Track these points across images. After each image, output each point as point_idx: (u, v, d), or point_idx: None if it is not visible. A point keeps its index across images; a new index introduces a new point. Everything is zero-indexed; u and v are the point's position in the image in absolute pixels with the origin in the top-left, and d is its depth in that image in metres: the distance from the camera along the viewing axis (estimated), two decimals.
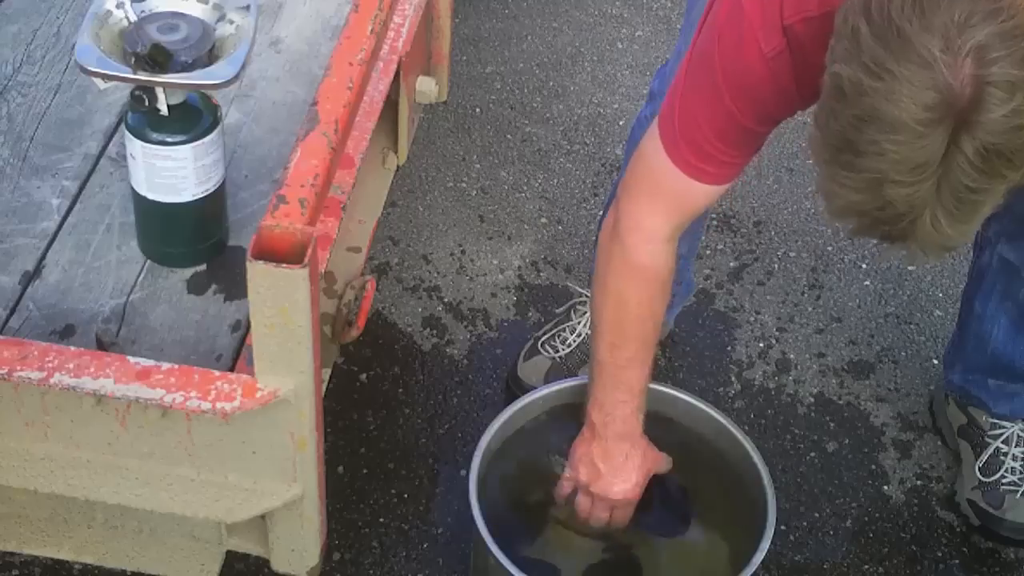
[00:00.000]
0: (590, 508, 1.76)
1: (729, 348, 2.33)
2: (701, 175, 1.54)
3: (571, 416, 1.87)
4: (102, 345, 1.63)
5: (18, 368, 1.47)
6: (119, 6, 1.64)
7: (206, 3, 1.65)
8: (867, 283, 2.48)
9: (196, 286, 1.75)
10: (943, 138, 1.11)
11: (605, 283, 1.68)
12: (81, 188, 1.85)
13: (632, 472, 1.73)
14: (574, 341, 2.18)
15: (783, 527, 2.04)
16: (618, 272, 1.66)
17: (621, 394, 1.71)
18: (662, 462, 1.78)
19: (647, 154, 1.58)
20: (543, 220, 2.54)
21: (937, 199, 1.14)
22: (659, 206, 1.60)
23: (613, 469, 1.72)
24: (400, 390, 2.20)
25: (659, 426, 1.88)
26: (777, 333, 2.37)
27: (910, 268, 2.51)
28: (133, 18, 1.63)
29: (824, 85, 1.19)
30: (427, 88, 2.20)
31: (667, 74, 1.85)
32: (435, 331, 2.30)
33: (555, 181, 2.62)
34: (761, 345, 2.34)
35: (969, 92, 1.10)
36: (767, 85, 1.43)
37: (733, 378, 2.28)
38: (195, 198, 1.70)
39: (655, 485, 1.80)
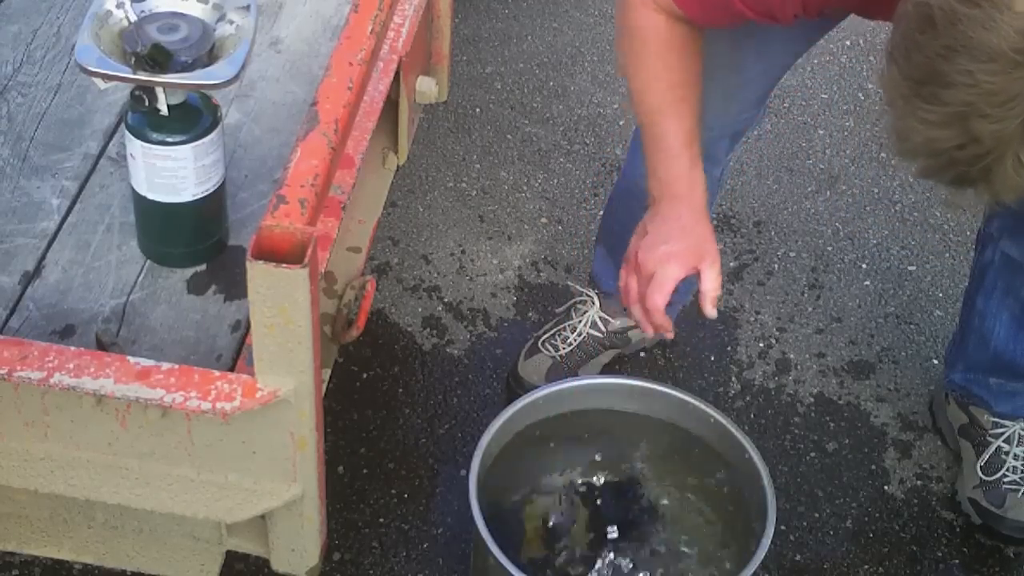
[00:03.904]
0: (635, 288, 1.64)
1: (729, 348, 2.33)
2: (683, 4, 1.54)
3: (571, 417, 1.88)
4: (102, 345, 1.63)
5: (18, 368, 1.47)
6: (119, 6, 1.63)
7: (206, 3, 1.65)
8: (867, 283, 2.48)
9: (196, 286, 1.75)
10: None
11: (619, 39, 1.62)
12: (81, 188, 1.85)
13: (679, 237, 1.60)
14: (575, 340, 2.18)
15: (783, 527, 2.04)
16: (629, 9, 1.60)
17: (662, 155, 1.62)
18: (715, 254, 1.61)
19: None
20: (543, 220, 2.54)
21: (1022, 138, 1.10)
22: None
23: (657, 229, 1.61)
24: (400, 390, 2.20)
25: (658, 427, 1.88)
26: (777, 333, 2.37)
27: (910, 268, 2.51)
28: (133, 18, 1.63)
29: (904, 16, 1.14)
30: (427, 88, 2.20)
31: None
32: (435, 331, 2.30)
33: (555, 181, 2.62)
34: (761, 345, 2.34)
35: None
36: None
37: (733, 378, 2.28)
38: (195, 198, 1.70)
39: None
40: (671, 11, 1.56)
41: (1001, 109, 1.09)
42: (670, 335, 1.66)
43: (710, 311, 1.61)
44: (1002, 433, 2.07)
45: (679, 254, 1.60)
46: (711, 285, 1.61)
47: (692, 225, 1.62)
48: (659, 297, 1.61)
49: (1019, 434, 2.07)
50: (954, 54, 1.09)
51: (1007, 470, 2.05)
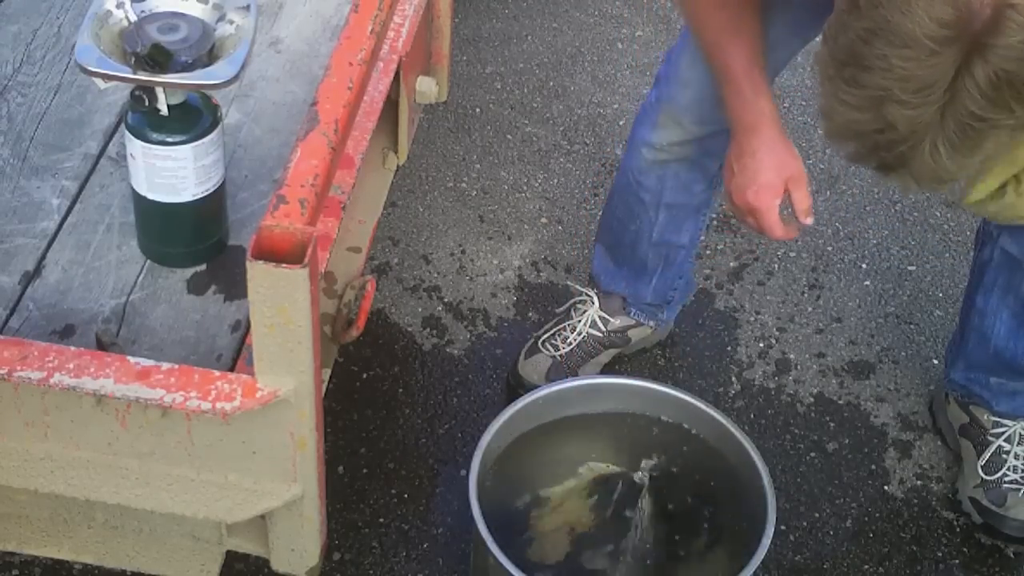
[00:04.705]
0: (741, 217, 1.74)
1: (729, 348, 2.33)
2: None
3: (571, 417, 1.88)
4: (102, 345, 1.63)
5: (18, 368, 1.47)
6: (119, 6, 1.64)
7: (206, 3, 1.65)
8: (867, 283, 2.48)
9: (196, 286, 1.75)
10: (954, 60, 1.07)
11: None
12: (81, 188, 1.85)
13: (759, 175, 1.67)
14: (575, 340, 2.18)
15: (783, 527, 2.04)
16: None
17: (727, 88, 1.67)
18: (798, 171, 1.69)
19: None
20: (543, 220, 2.54)
21: (940, 125, 1.11)
22: None
23: (743, 169, 1.69)
24: (400, 390, 2.20)
25: (658, 426, 1.88)
26: (777, 333, 2.37)
27: (910, 268, 2.51)
28: (133, 18, 1.63)
29: None
30: (427, 88, 2.20)
31: (675, 58, 1.85)
32: (435, 331, 2.30)
33: (555, 181, 2.62)
34: (761, 345, 2.34)
35: (988, 13, 1.06)
36: None
37: (733, 378, 2.28)
38: (195, 198, 1.70)
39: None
40: None
41: (916, 96, 1.09)
42: (809, 221, 1.73)
43: (807, 221, 1.71)
44: (1003, 432, 2.07)
45: (766, 190, 1.68)
46: (801, 200, 1.69)
47: (766, 157, 1.67)
48: (772, 228, 1.70)
49: (1020, 433, 2.07)
50: (873, 37, 1.10)
51: (1008, 469, 2.05)
